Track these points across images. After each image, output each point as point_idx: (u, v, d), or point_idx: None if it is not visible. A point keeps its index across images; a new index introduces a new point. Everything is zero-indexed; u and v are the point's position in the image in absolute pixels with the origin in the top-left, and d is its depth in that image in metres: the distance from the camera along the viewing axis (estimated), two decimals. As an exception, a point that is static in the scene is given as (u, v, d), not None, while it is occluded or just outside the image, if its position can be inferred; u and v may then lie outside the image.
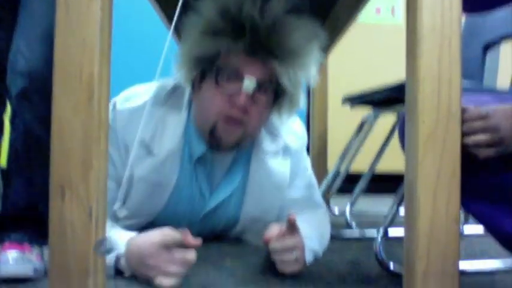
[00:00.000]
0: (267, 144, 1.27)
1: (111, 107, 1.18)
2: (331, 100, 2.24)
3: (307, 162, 1.39)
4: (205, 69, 1.15)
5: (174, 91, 1.24)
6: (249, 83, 1.08)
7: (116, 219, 1.14)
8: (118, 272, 0.99)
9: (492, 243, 1.49)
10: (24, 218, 1.03)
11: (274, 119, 1.26)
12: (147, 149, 1.17)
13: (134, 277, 0.99)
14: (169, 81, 1.26)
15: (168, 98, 1.22)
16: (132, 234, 1.02)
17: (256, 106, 1.12)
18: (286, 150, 1.30)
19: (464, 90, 0.81)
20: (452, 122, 0.78)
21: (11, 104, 1.04)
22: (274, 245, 1.03)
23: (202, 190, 1.24)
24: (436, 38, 0.77)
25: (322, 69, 2.15)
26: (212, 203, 1.26)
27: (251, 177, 1.26)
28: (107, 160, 0.76)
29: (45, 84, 0.95)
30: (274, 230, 1.05)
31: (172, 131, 1.18)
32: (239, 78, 1.10)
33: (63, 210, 0.72)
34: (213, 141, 1.16)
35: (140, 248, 0.96)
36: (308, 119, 2.90)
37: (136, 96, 1.21)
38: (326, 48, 1.49)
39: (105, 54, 0.74)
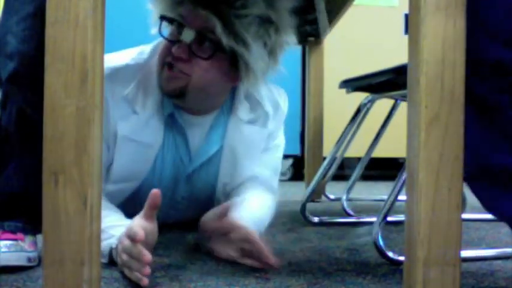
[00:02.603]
0: (245, 111, 1.27)
1: None
2: (326, 84, 2.22)
3: (281, 140, 1.39)
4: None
5: (156, 48, 1.23)
6: (186, 33, 1.09)
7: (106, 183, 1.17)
8: (113, 261, 0.98)
9: (489, 230, 1.49)
10: (18, 205, 1.01)
11: (252, 88, 1.24)
12: (131, 106, 1.17)
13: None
14: (153, 43, 1.26)
15: (151, 56, 1.22)
16: (127, 223, 0.99)
17: (199, 59, 1.11)
18: (266, 118, 1.30)
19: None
20: (455, 107, 0.76)
21: (2, 88, 1.01)
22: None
23: (181, 155, 1.24)
24: (440, 18, 0.75)
25: (318, 52, 2.14)
26: (190, 168, 1.26)
27: (226, 144, 1.26)
28: (101, 144, 0.74)
29: (36, 66, 0.92)
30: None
31: (152, 90, 1.18)
32: (180, 28, 1.11)
33: (57, 197, 0.69)
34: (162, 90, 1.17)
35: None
36: (303, 103, 2.88)
37: (118, 56, 1.21)
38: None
39: (99, 34, 0.71)
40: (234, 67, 1.15)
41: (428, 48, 0.75)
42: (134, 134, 1.16)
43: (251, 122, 1.28)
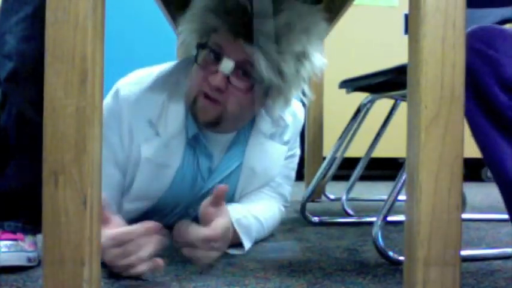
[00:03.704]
0: (267, 126, 1.26)
1: (112, 92, 1.17)
2: (326, 84, 2.22)
3: (297, 150, 1.39)
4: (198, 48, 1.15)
5: (179, 71, 1.23)
6: (226, 64, 1.08)
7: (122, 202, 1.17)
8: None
9: (489, 230, 1.49)
10: (18, 205, 1.01)
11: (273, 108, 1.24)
12: (154, 129, 1.16)
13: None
14: (175, 63, 1.25)
15: (176, 77, 1.21)
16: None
17: (234, 88, 1.11)
18: (285, 128, 1.30)
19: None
20: (455, 106, 0.76)
21: (1, 88, 1.01)
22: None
23: (201, 171, 1.24)
24: (440, 18, 0.75)
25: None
26: (209, 184, 1.25)
27: (246, 160, 1.26)
28: (101, 144, 0.74)
29: (35, 65, 0.92)
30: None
31: (175, 112, 1.17)
32: (219, 58, 1.10)
33: (57, 197, 0.69)
34: (195, 117, 1.16)
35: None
36: (303, 103, 2.88)
37: (140, 80, 1.20)
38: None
39: (99, 34, 0.71)
40: (266, 94, 1.16)
41: (428, 48, 0.75)
42: (155, 157, 1.16)
43: (272, 136, 1.28)
